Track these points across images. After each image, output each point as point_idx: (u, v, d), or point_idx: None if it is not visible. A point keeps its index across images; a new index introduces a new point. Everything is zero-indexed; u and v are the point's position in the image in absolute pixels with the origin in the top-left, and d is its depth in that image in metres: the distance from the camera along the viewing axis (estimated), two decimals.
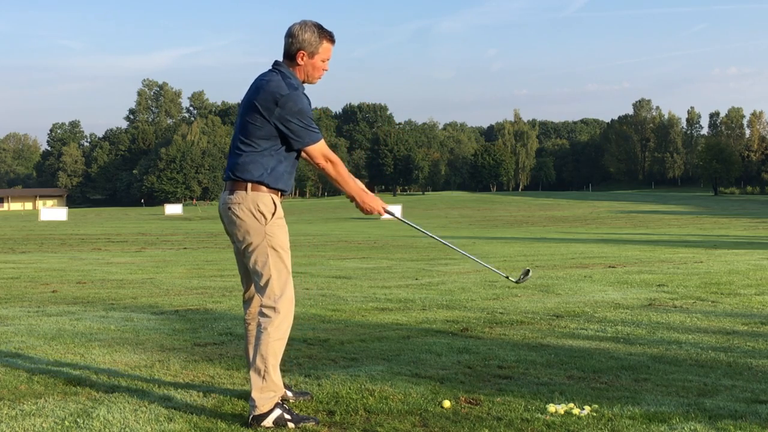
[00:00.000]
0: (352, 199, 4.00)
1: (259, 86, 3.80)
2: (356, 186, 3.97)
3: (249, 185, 3.80)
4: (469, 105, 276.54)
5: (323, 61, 3.90)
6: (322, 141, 3.85)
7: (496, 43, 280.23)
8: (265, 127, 3.76)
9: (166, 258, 16.62)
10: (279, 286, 3.83)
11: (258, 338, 3.81)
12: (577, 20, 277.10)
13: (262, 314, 3.82)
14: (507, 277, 4.43)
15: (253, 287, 4.03)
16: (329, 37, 3.89)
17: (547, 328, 6.62)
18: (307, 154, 3.85)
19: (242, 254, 3.90)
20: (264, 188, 3.81)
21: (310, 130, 3.78)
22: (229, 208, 3.85)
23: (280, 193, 3.89)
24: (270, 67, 3.90)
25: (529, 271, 4.20)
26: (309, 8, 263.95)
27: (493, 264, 14.08)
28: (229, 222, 3.87)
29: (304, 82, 3.91)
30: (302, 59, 3.85)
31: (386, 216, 4.22)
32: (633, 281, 10.48)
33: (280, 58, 3.92)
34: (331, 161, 3.86)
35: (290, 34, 3.85)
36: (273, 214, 3.83)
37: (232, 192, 3.84)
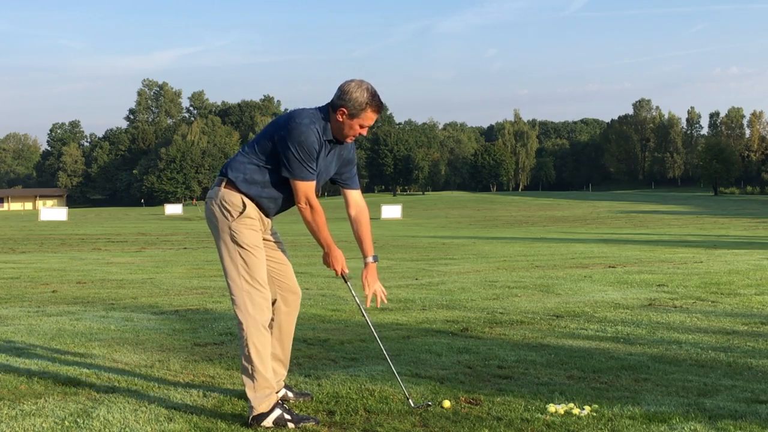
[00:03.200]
0: (323, 248, 4.02)
1: (293, 114, 3.82)
2: (329, 238, 3.98)
3: (224, 182, 3.87)
4: (469, 105, 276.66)
5: (361, 126, 3.87)
6: (311, 183, 3.83)
7: (496, 43, 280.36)
8: (269, 144, 3.83)
9: (166, 258, 16.63)
10: (249, 282, 3.82)
11: (240, 338, 3.83)
12: (577, 20, 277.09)
13: (236, 313, 3.83)
14: (408, 398, 4.19)
15: (276, 290, 4.04)
16: (376, 106, 3.83)
17: (547, 328, 6.62)
18: (292, 186, 3.85)
19: (217, 251, 3.93)
20: (234, 189, 3.85)
21: (304, 166, 3.78)
22: (206, 202, 3.96)
23: (256, 204, 3.87)
24: (325, 104, 3.89)
25: (430, 405, 4.05)
26: (309, 8, 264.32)
27: (493, 264, 14.08)
28: (205, 216, 3.97)
29: (335, 136, 3.88)
30: (341, 117, 3.82)
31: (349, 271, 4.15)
32: (633, 281, 10.48)
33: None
34: (311, 206, 3.87)
35: (342, 89, 3.81)
36: (240, 213, 3.83)
37: (212, 187, 3.95)
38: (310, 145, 3.76)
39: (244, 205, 3.85)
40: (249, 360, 3.78)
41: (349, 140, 3.94)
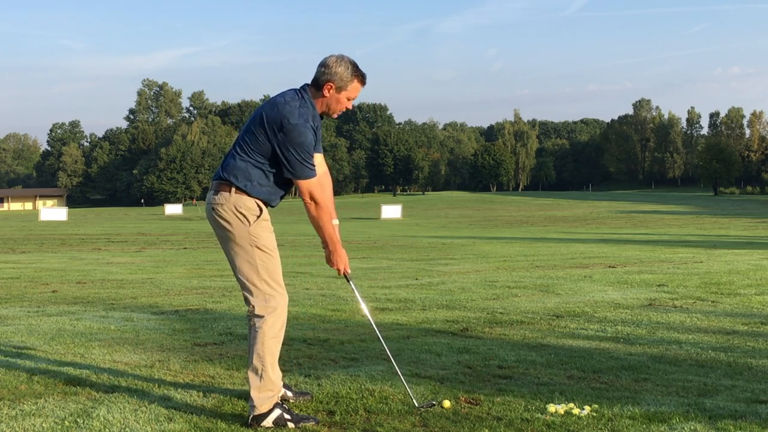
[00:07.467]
0: (325, 245, 3.97)
1: (276, 103, 3.81)
2: (333, 233, 3.94)
3: (233, 189, 3.83)
4: (470, 105, 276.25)
5: (348, 99, 3.90)
6: (314, 180, 3.83)
7: (496, 43, 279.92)
8: (266, 145, 3.79)
9: (166, 258, 16.62)
10: (269, 285, 3.84)
11: (254, 338, 3.82)
12: (577, 20, 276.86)
13: (255, 315, 3.83)
14: (411, 398, 4.15)
15: None
16: (361, 77, 3.88)
17: (547, 328, 6.62)
18: (297, 185, 3.87)
19: (228, 255, 3.91)
20: (247, 194, 3.84)
21: (305, 165, 3.78)
22: (213, 209, 3.87)
23: (265, 202, 3.90)
24: (298, 87, 3.90)
25: (434, 404, 4.02)
26: (309, 8, 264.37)
27: (493, 264, 14.08)
28: (214, 223, 3.90)
29: (323, 113, 3.91)
30: (329, 91, 3.84)
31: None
32: (633, 281, 10.48)
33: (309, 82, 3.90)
34: (315, 201, 3.85)
35: (324, 65, 3.84)
36: (258, 216, 3.85)
37: (216, 192, 3.87)
38: (309, 144, 3.77)
39: (260, 209, 3.86)
40: (261, 360, 3.78)
41: (335, 115, 3.95)
